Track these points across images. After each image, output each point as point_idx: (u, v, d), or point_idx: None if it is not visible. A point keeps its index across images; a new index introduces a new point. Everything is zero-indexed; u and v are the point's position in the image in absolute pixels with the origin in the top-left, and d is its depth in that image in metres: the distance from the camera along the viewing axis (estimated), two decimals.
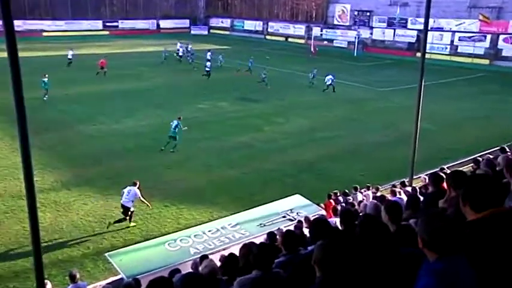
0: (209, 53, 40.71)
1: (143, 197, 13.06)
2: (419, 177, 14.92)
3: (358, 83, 37.66)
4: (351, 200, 13.01)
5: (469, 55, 50.08)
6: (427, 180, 11.19)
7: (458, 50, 51.31)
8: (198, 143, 21.06)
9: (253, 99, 30.79)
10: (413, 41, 55.28)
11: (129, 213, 12.96)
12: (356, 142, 21.96)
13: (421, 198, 10.21)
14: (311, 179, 17.32)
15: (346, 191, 13.97)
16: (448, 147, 21.06)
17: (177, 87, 33.93)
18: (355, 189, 14.02)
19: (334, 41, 61.72)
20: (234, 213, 12.24)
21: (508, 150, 10.74)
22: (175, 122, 19.30)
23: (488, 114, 27.36)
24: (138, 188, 13.01)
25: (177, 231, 11.50)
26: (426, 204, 6.41)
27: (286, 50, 56.96)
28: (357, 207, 11.65)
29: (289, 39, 67.48)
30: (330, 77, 32.67)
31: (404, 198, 10.13)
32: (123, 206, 13.01)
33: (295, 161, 19.10)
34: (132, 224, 13.11)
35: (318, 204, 12.44)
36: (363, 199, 13.20)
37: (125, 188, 13.10)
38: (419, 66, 13.05)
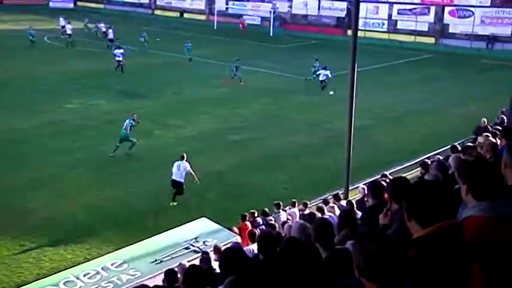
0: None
1: (193, 171, 16.75)
2: (357, 187, 15.66)
3: (278, 70, 38.84)
4: (272, 221, 13.24)
5: (411, 32, 53.90)
6: (365, 191, 11.76)
7: (398, 26, 54.85)
8: (68, 156, 20.34)
9: (140, 95, 30.41)
10: (343, 16, 57.84)
11: (180, 189, 16.63)
12: (278, 146, 22.53)
13: (359, 213, 10.82)
14: (221, 197, 17.45)
15: (266, 210, 14.18)
16: (391, 148, 22.49)
17: (40, 80, 32.60)
18: (278, 206, 14.29)
19: (244, 17, 62.08)
20: (119, 248, 11.97)
21: (460, 149, 11.66)
22: (127, 122, 20.79)
23: (437, 106, 29.78)
24: (186, 160, 16.75)
25: (38, 279, 11.03)
26: (364, 222, 6.67)
27: (182, 30, 56.82)
28: (279, 229, 11.87)
29: (185, 15, 67.38)
30: (326, 72, 32.24)
31: None
32: (174, 182, 16.66)
33: (199, 174, 19.10)
34: (175, 203, 16.60)
35: (231, 229, 12.49)
36: (288, 219, 13.51)
37: (174, 163, 16.83)
38: (351, 47, 13.70)
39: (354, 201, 12.13)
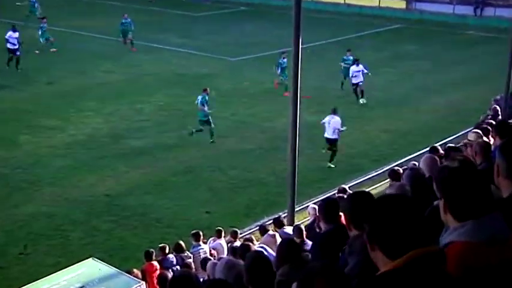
0: None
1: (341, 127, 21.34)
2: (306, 207, 15.87)
3: (193, 47, 38.96)
4: (189, 260, 13.17)
5: None
6: (317, 213, 11.92)
7: None
8: None
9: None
10: None
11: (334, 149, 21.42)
12: (196, 155, 22.51)
13: (309, 243, 10.94)
14: (115, 227, 17.22)
15: (181, 243, 14.11)
16: (351, 153, 22.96)
17: None
18: (197, 238, 14.25)
19: None
20: None
21: (441, 151, 12.03)
22: (199, 98, 23.80)
23: (411, 94, 30.65)
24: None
25: None
26: (315, 254, 6.74)
27: None
28: (199, 270, 11.81)
29: None
30: (358, 69, 29.22)
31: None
32: (328, 139, 21.49)
33: (83, 198, 18.80)
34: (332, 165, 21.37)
35: (131, 272, 12.31)
36: (211, 255, 13.52)
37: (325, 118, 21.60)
38: (293, 16, 13.84)
39: (302, 227, 12.27)
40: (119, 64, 34.54)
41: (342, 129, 21.62)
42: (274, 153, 21.68)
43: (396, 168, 12.71)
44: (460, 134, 22.07)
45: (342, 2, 55.72)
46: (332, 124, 21.42)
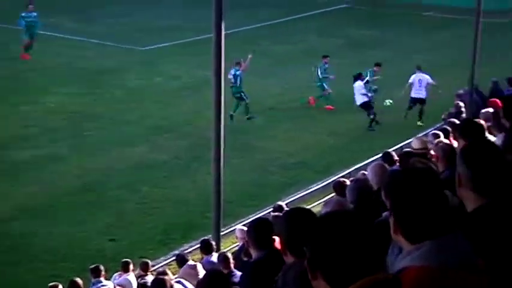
0: None
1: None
2: (234, 230, 15.88)
3: (94, 35, 38.65)
4: None
5: None
6: (245, 237, 11.90)
7: None
8: None
9: None
10: None
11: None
12: (98, 168, 22.30)
13: (238, 274, 10.89)
14: None
15: (77, 280, 13.93)
16: (290, 162, 23.12)
17: None
18: (96, 273, 14.08)
19: None
20: None
21: (396, 158, 12.19)
22: (232, 71, 26.11)
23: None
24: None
25: None
26: (245, 287, 6.75)
27: None
28: None
29: None
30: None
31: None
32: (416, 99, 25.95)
33: None
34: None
35: None
36: None
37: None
38: None
39: (228, 255, 12.27)
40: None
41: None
42: (194, 165, 21.65)
43: (342, 179, 12.83)
44: (421, 134, 22.42)
45: None
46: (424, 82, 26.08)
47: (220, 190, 14.39)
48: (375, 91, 27.18)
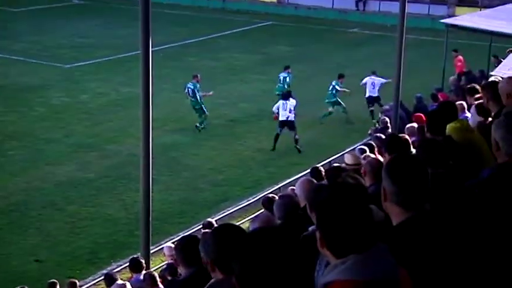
0: None
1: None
2: (162, 248, 15.85)
3: (16, 52, 38.27)
4: None
5: None
6: (174, 255, 11.88)
7: None
8: None
9: None
10: None
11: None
12: (21, 187, 21.96)
13: None
14: None
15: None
16: (219, 178, 23.12)
17: None
18: None
19: None
20: None
21: (322, 171, 12.33)
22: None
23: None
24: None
25: None
26: None
27: None
28: None
29: None
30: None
31: None
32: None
33: None
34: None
35: None
36: None
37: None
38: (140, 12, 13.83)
39: (154, 274, 12.25)
40: None
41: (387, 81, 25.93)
42: (122, 183, 21.50)
43: (271, 195, 12.90)
44: (346, 150, 22.73)
45: None
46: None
47: (149, 207, 14.35)
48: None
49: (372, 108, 28.23)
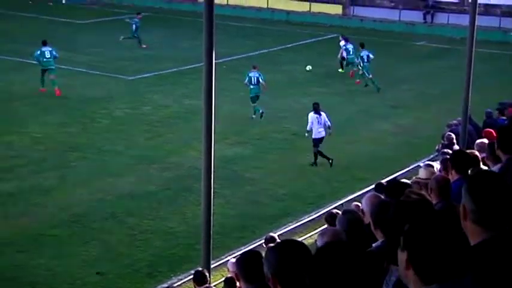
0: None
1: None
2: (227, 261, 15.84)
3: (81, 64, 38.76)
4: None
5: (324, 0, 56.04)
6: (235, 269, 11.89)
7: None
8: None
9: None
10: None
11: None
12: (83, 199, 22.18)
13: None
14: None
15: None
16: (280, 193, 23.03)
17: None
18: None
19: None
20: None
21: (393, 188, 12.21)
22: (254, 75, 30.58)
23: (351, 119, 30.93)
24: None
25: None
26: None
27: None
28: None
29: None
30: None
31: None
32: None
33: None
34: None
35: None
36: None
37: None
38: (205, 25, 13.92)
39: None
40: None
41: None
42: (183, 196, 21.61)
43: (335, 211, 12.85)
44: (411, 167, 22.56)
45: (265, 6, 56.59)
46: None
47: (210, 221, 14.39)
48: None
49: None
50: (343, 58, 38.79)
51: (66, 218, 20.76)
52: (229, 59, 37.98)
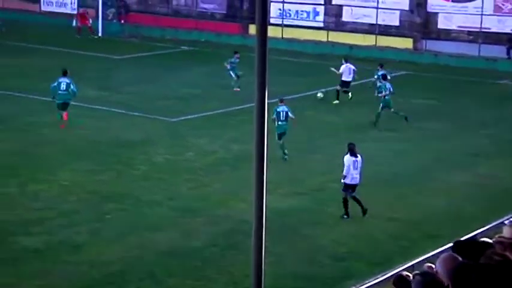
0: None
1: None
2: None
3: (117, 104, 39.34)
4: None
5: (369, 29, 57.14)
6: None
7: (344, 18, 58.11)
8: None
9: None
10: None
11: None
12: (118, 256, 22.26)
13: None
14: None
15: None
16: (341, 252, 22.95)
17: None
18: None
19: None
20: None
21: (468, 249, 12.13)
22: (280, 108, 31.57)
23: (423, 167, 31.02)
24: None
25: None
26: None
27: None
28: None
29: None
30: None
31: None
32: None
33: None
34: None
35: None
36: None
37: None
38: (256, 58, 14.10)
39: None
40: (7, 128, 34.31)
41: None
42: (231, 253, 21.65)
43: (405, 273, 12.73)
44: (493, 224, 22.28)
45: (325, 39, 57.10)
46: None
47: (261, 283, 14.38)
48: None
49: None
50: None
51: (99, 278, 20.90)
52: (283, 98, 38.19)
